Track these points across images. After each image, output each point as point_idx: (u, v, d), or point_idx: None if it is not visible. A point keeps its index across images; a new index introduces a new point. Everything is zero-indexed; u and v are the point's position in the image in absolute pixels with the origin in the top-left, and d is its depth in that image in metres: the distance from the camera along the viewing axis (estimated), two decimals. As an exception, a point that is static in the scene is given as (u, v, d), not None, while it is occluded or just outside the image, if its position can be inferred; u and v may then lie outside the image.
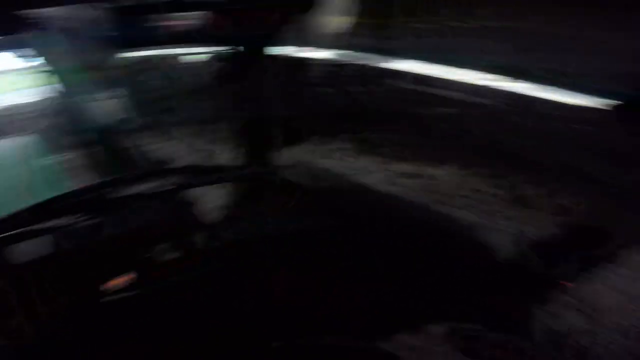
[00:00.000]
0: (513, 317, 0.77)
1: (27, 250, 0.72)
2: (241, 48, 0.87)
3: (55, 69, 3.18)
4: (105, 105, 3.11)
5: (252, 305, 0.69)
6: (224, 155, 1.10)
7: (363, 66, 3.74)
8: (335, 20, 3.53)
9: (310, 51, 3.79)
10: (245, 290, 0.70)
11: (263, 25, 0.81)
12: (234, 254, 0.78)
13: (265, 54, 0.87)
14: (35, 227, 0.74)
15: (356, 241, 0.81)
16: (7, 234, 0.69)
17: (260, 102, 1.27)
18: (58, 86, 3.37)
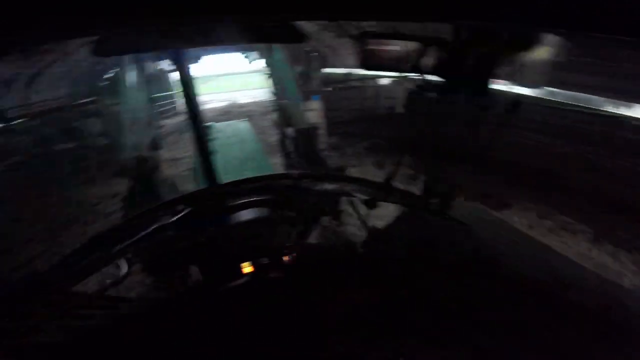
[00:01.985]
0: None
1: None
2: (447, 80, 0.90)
3: (275, 74, 4.21)
4: (302, 111, 4.01)
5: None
6: (397, 179, 1.20)
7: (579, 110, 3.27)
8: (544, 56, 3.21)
9: (521, 88, 3.69)
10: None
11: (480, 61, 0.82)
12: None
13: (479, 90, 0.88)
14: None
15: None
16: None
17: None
18: (276, 89, 4.41)
